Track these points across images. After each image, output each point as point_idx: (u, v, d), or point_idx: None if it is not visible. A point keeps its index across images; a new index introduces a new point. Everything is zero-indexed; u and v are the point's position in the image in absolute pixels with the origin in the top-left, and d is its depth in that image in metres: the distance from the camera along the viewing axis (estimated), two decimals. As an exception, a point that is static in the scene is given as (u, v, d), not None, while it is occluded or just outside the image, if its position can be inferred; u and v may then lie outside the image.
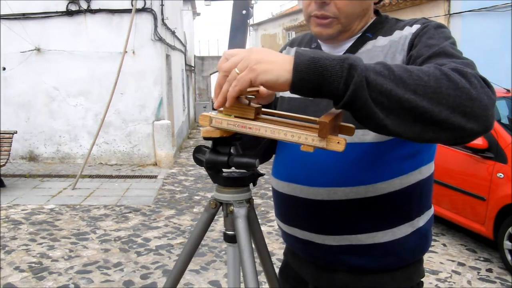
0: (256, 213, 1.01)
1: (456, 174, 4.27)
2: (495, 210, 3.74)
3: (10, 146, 6.50)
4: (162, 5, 8.60)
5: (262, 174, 0.98)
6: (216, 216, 0.99)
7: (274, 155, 1.21)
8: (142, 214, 5.38)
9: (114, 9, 8.12)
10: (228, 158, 0.88)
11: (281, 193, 1.11)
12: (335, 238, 1.03)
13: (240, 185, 0.94)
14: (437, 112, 0.72)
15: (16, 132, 6.70)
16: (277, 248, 4.15)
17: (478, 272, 3.74)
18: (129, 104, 8.30)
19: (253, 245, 0.96)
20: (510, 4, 7.86)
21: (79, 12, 8.12)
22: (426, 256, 1.20)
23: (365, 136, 0.96)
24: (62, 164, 8.29)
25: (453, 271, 3.76)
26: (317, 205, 1.02)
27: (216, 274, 3.65)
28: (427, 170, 1.05)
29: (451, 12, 8.53)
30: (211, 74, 22.08)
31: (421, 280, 1.12)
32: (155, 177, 7.48)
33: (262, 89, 0.92)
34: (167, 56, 9.52)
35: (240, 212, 0.93)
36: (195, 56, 21.01)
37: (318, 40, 1.10)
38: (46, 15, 8.10)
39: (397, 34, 1.00)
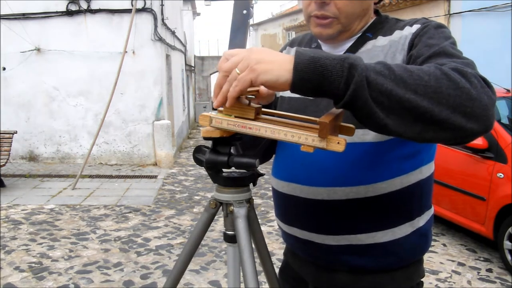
0: (256, 213, 1.01)
1: (456, 174, 4.27)
2: (495, 210, 3.74)
3: (10, 146, 6.50)
4: (162, 5, 8.60)
5: (262, 174, 0.98)
6: (216, 216, 0.99)
7: (274, 155, 1.21)
8: (142, 214, 5.38)
9: (114, 9, 8.12)
10: (228, 158, 0.88)
11: (281, 193, 1.11)
12: (335, 238, 1.03)
13: (240, 185, 0.94)
14: (438, 112, 0.72)
15: (16, 132, 6.70)
16: (277, 248, 4.15)
17: (478, 272, 3.74)
18: (129, 104, 8.30)
19: (253, 245, 0.96)
20: (510, 4, 7.86)
21: (79, 12, 8.12)
22: (426, 256, 1.20)
23: (365, 135, 0.96)
24: (62, 164, 8.29)
25: (453, 271, 3.76)
26: (317, 205, 1.02)
27: (216, 274, 3.65)
28: (427, 170, 1.05)
29: (451, 12, 8.53)
30: (211, 74, 22.08)
31: (421, 280, 1.12)
32: (155, 177, 7.49)
33: (262, 89, 0.92)
34: (167, 56, 9.52)
35: (240, 212, 0.93)
36: (195, 56, 21.02)
37: (318, 40, 1.11)
38: (46, 15, 8.10)
39: (397, 34, 1.00)
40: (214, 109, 0.82)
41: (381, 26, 1.05)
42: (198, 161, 0.92)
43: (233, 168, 0.90)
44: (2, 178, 6.59)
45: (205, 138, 0.88)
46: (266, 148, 1.19)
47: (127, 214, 5.34)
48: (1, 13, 8.01)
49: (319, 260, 1.09)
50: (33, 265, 3.78)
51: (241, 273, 0.92)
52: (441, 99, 0.72)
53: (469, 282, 3.56)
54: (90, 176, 7.33)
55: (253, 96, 0.86)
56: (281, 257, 1.51)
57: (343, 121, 0.84)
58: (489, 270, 3.77)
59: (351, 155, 0.97)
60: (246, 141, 0.99)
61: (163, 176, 7.60)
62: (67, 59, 8.15)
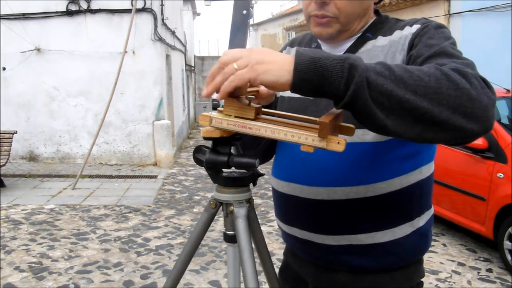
0: (256, 213, 1.01)
1: (456, 174, 4.27)
2: (495, 210, 3.74)
3: (10, 146, 6.50)
4: (162, 5, 8.60)
5: (262, 174, 0.98)
6: (216, 216, 0.99)
7: (274, 155, 1.21)
8: (142, 214, 5.38)
9: (114, 9, 8.12)
10: (228, 158, 0.88)
11: (281, 193, 1.11)
12: (335, 238, 1.03)
13: (240, 185, 0.94)
14: (438, 113, 0.72)
15: (16, 132, 6.70)
16: (277, 248, 4.15)
17: (478, 272, 3.74)
18: (129, 104, 8.30)
19: (253, 245, 0.96)
20: (510, 4, 7.86)
21: (79, 12, 8.12)
22: (426, 256, 1.20)
23: (365, 135, 0.96)
24: (62, 164, 8.29)
25: (453, 271, 3.76)
26: (317, 205, 1.02)
27: (216, 274, 3.65)
28: (427, 170, 1.05)
29: (451, 12, 8.53)
30: (211, 74, 22.02)
31: (421, 280, 1.12)
32: (155, 177, 7.48)
33: (262, 89, 0.92)
34: (167, 56, 9.52)
35: (240, 212, 0.93)
36: (195, 56, 21.01)
37: (318, 40, 1.11)
38: (46, 15, 8.09)
39: (397, 34, 1.00)
40: (214, 109, 0.82)
41: (381, 26, 1.05)
42: (198, 161, 0.92)
43: (233, 168, 0.90)
44: (2, 178, 6.59)
45: (205, 138, 0.87)
46: (266, 148, 1.19)
47: (127, 214, 5.33)
48: (1, 13, 8.00)
49: (319, 260, 1.09)
50: (33, 265, 3.78)
51: (241, 273, 0.92)
52: (441, 100, 0.72)
53: (469, 282, 3.56)
54: (90, 176, 7.33)
55: (253, 96, 0.87)
56: (281, 257, 1.51)
57: (343, 121, 0.84)
58: (489, 270, 3.77)
59: (351, 155, 0.97)
60: (246, 141, 0.99)
61: (163, 176, 7.60)
62: (67, 59, 8.14)
